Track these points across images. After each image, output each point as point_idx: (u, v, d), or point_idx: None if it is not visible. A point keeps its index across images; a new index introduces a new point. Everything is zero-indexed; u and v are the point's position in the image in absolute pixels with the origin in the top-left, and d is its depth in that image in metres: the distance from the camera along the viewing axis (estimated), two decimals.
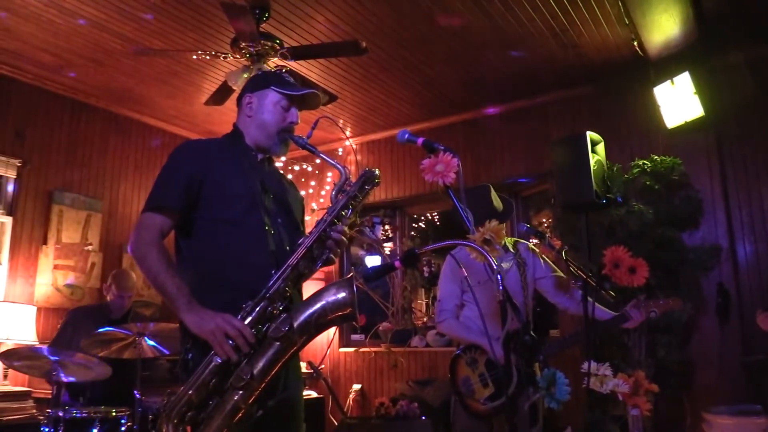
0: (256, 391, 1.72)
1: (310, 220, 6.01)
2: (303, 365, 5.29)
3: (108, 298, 4.32)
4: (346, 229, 1.95)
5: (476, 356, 2.98)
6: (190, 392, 1.72)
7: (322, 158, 2.07)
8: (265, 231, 1.97)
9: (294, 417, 2.03)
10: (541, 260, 3.22)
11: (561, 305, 3.20)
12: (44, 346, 3.71)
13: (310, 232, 1.93)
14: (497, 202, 3.21)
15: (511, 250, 3.21)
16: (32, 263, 5.03)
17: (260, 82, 2.16)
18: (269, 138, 2.10)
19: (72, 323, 4.18)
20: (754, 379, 3.89)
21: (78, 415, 3.37)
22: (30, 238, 5.06)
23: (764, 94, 4.55)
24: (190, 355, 1.84)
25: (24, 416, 4.12)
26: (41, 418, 3.70)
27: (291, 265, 1.86)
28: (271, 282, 1.83)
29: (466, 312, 3.12)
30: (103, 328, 3.73)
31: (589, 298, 2.87)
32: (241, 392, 1.70)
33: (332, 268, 6.19)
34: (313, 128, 2.10)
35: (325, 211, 1.97)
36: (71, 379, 3.59)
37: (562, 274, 3.23)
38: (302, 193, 2.86)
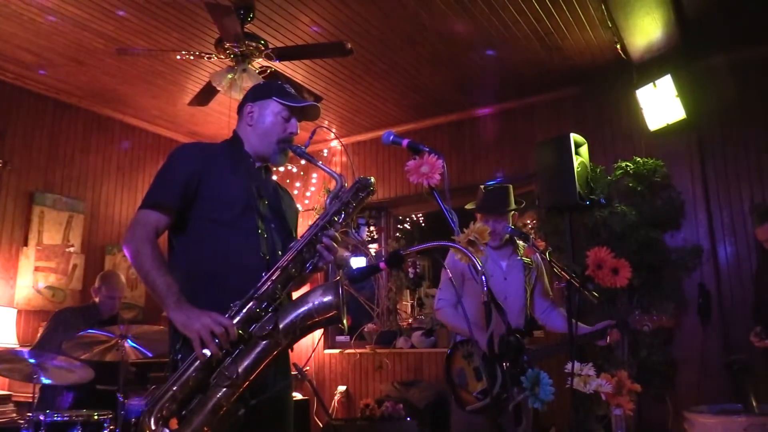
0: (239, 389, 1.73)
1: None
2: None
3: (96, 299, 4.26)
4: (337, 235, 1.96)
5: (473, 350, 3.01)
6: (174, 388, 1.73)
7: (320, 167, 2.08)
8: (257, 234, 2.00)
9: (282, 416, 2.04)
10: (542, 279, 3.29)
11: (541, 320, 3.29)
12: (25, 349, 3.65)
13: (302, 236, 1.95)
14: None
15: (520, 251, 3.23)
16: (12, 265, 4.97)
17: (262, 91, 2.19)
18: (269, 147, 2.13)
19: (63, 324, 4.11)
20: (736, 379, 3.93)
21: (59, 418, 3.32)
22: (10, 240, 4.99)
23: (745, 97, 4.62)
24: (180, 355, 1.84)
25: (4, 420, 4.06)
26: (22, 422, 3.64)
27: (280, 267, 1.87)
28: (260, 283, 1.85)
29: (465, 304, 3.15)
30: (92, 329, 3.68)
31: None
32: (224, 389, 1.71)
33: None
34: (310, 138, 2.13)
35: (313, 211, 1.97)
36: (52, 382, 3.54)
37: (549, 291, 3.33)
38: None
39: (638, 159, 4.72)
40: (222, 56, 4.13)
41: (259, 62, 4.29)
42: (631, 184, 4.64)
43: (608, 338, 2.93)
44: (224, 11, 3.59)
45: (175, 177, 1.99)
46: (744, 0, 4.08)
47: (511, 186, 3.28)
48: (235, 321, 1.76)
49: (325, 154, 6.61)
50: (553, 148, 4.20)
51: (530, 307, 3.27)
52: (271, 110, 2.13)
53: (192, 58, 4.37)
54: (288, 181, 6.57)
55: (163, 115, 5.95)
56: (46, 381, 3.52)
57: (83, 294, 5.27)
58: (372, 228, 6.60)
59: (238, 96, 3.77)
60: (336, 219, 1.98)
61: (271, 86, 2.24)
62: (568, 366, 2.48)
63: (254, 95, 2.19)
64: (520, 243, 3.30)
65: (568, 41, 4.58)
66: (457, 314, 3.13)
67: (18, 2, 3.99)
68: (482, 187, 3.28)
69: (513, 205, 3.23)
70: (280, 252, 2.01)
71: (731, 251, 4.60)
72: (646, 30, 4.26)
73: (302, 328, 1.79)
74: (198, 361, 1.73)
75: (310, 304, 1.79)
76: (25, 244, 5.07)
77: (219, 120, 5.88)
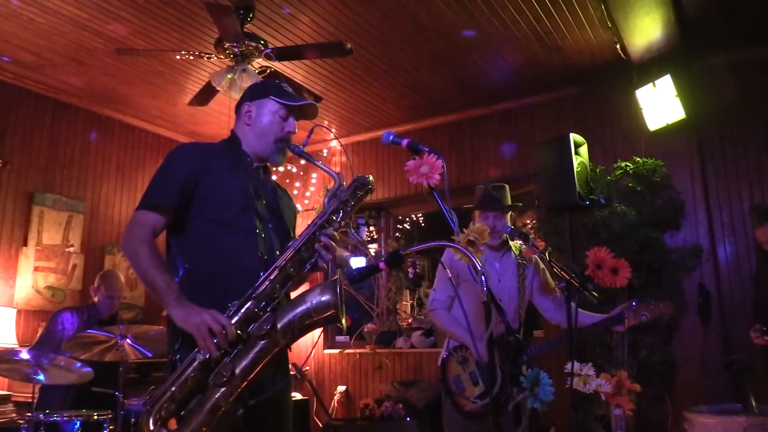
0: (237, 388, 1.73)
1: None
2: None
3: (96, 299, 4.25)
4: (336, 234, 1.95)
5: (467, 355, 3.00)
6: (173, 388, 1.73)
7: (318, 166, 2.08)
8: (255, 234, 2.00)
9: (281, 416, 2.04)
10: (540, 276, 3.26)
11: (554, 320, 3.24)
12: (24, 349, 3.65)
13: (300, 235, 1.95)
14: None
15: (514, 251, 3.23)
16: (12, 265, 4.96)
17: (259, 91, 2.18)
18: (267, 146, 2.12)
19: (62, 324, 4.10)
20: (736, 379, 3.93)
21: (59, 418, 3.32)
22: (10, 240, 4.99)
23: (745, 97, 4.62)
24: (178, 356, 1.84)
25: (4, 420, 4.06)
26: (21, 422, 3.65)
27: (278, 266, 1.87)
28: (259, 282, 1.84)
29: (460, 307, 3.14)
30: (92, 329, 3.68)
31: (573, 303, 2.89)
32: (222, 389, 1.71)
33: None
34: (308, 136, 2.13)
35: (313, 211, 1.98)
36: (52, 382, 3.54)
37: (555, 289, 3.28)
38: None
39: (638, 159, 4.72)
40: (222, 56, 4.13)
41: (259, 62, 4.28)
42: (630, 184, 4.63)
43: (626, 322, 2.86)
44: (224, 11, 3.59)
45: (173, 177, 1.98)
46: (744, 0, 4.08)
47: (507, 186, 3.29)
48: (233, 321, 1.76)
49: (325, 154, 6.61)
50: (552, 148, 4.20)
51: (537, 306, 3.24)
52: (269, 109, 2.12)
53: (192, 58, 4.37)
54: (287, 181, 6.58)
55: (163, 115, 5.95)
56: (45, 381, 3.51)
57: (83, 294, 5.27)
58: (372, 228, 6.61)
59: (238, 96, 3.75)
60: (334, 218, 1.98)
61: (268, 85, 2.24)
62: (568, 366, 2.48)
63: (252, 94, 2.18)
64: (515, 243, 3.29)
65: (568, 41, 4.58)
66: (451, 317, 3.11)
67: (18, 2, 3.99)
68: (480, 186, 3.28)
69: (510, 202, 3.24)
70: (278, 252, 2.01)
71: (731, 251, 4.60)
72: (645, 30, 4.26)
73: (300, 327, 1.78)
74: (196, 361, 1.72)
75: (309, 304, 1.78)
76: (25, 244, 5.06)
77: (219, 120, 5.87)
